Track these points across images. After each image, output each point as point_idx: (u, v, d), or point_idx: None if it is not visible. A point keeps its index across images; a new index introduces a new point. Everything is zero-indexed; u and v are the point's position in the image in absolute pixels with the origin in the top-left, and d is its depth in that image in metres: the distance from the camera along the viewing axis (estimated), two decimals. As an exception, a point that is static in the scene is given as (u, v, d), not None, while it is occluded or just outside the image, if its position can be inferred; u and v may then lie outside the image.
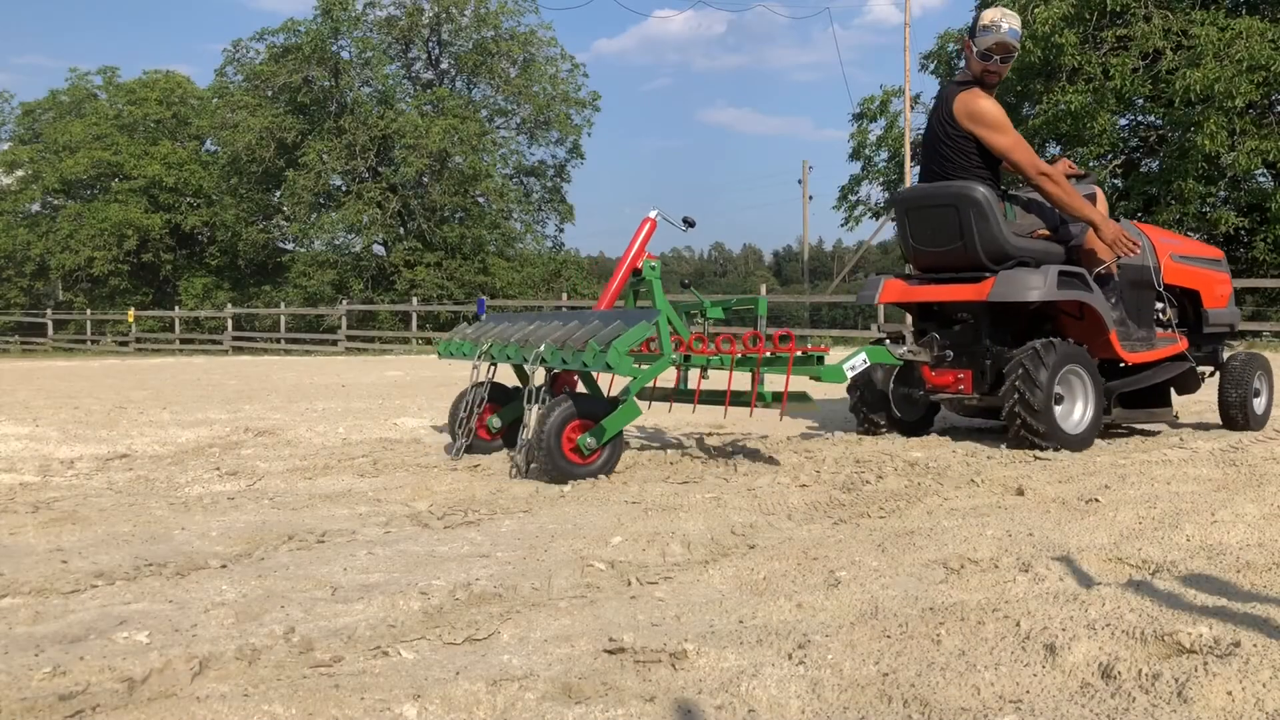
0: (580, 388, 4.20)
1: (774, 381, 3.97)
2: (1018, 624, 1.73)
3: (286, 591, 2.08)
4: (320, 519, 2.90)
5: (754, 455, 4.11)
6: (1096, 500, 2.93)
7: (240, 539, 2.60)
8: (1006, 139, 4.23)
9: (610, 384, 4.28)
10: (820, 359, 3.95)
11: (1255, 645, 1.56)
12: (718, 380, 4.07)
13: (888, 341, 4.42)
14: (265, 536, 2.61)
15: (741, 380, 3.98)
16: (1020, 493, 3.12)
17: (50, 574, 2.21)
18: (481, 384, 4.13)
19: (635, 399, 3.64)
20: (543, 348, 3.67)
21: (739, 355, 3.87)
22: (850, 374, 4.07)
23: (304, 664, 1.66)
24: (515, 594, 2.06)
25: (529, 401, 3.69)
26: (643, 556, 2.40)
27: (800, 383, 4.02)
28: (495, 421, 4.18)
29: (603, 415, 3.53)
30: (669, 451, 4.28)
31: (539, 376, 3.86)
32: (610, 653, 1.68)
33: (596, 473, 3.52)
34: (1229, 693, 1.42)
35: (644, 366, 3.76)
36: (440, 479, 3.55)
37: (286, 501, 3.19)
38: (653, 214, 4.39)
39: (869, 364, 4.16)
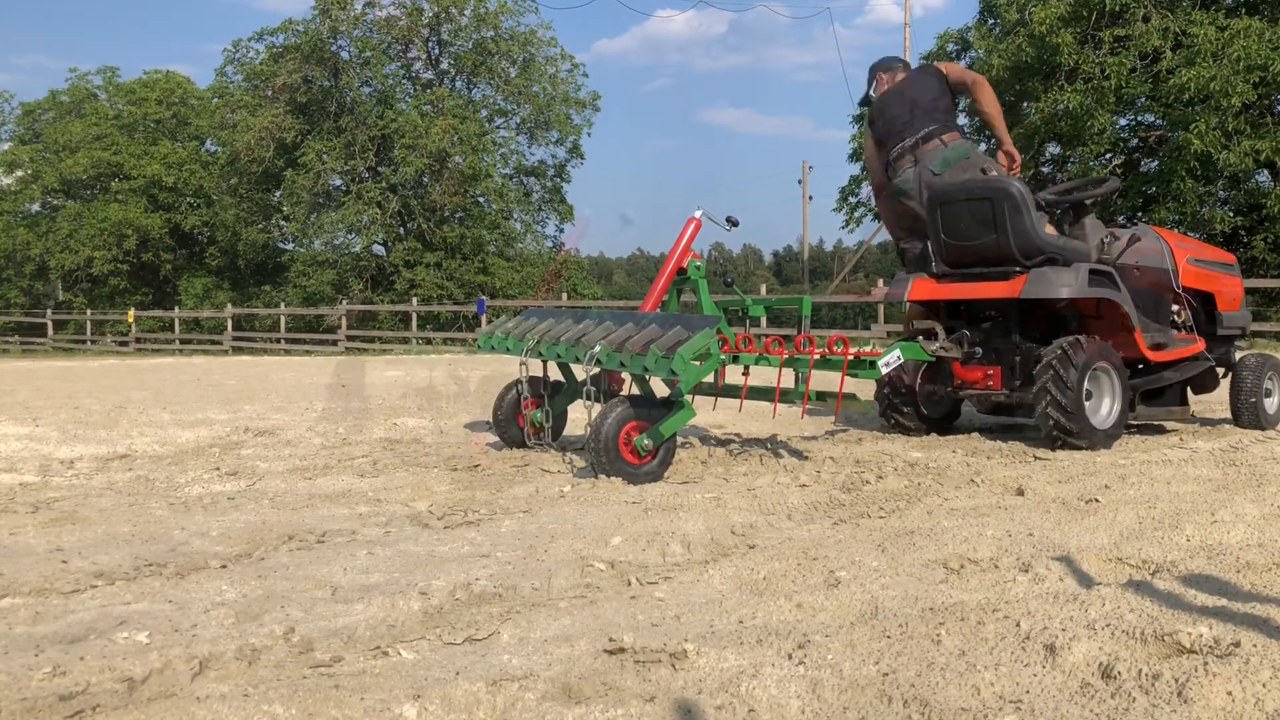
0: (628, 388, 4.20)
1: (815, 381, 3.97)
2: (1018, 624, 1.73)
3: (286, 592, 2.08)
4: (320, 519, 2.90)
5: (754, 455, 4.10)
6: (1096, 500, 2.93)
7: (240, 539, 2.59)
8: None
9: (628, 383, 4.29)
10: (873, 363, 3.96)
11: (1255, 645, 1.56)
12: (758, 377, 4.06)
13: (920, 338, 4.45)
14: (265, 537, 2.61)
15: (781, 378, 3.98)
16: (1020, 493, 3.11)
17: (50, 574, 2.21)
18: (528, 379, 4.17)
19: (688, 400, 3.62)
20: (598, 349, 3.65)
21: (786, 357, 3.87)
22: (885, 369, 4.09)
23: (304, 664, 1.65)
24: (515, 594, 2.06)
25: (586, 400, 3.71)
26: (643, 557, 2.40)
27: (825, 379, 4.03)
28: (538, 416, 4.20)
29: (658, 416, 3.52)
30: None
31: (594, 376, 3.88)
32: (610, 653, 1.68)
33: (653, 473, 3.50)
34: (1229, 693, 1.42)
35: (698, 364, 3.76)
36: (440, 479, 3.55)
37: (286, 502, 3.19)
38: (697, 214, 4.41)
39: (903, 360, 4.19)
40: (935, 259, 4.68)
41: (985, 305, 4.55)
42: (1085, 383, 4.06)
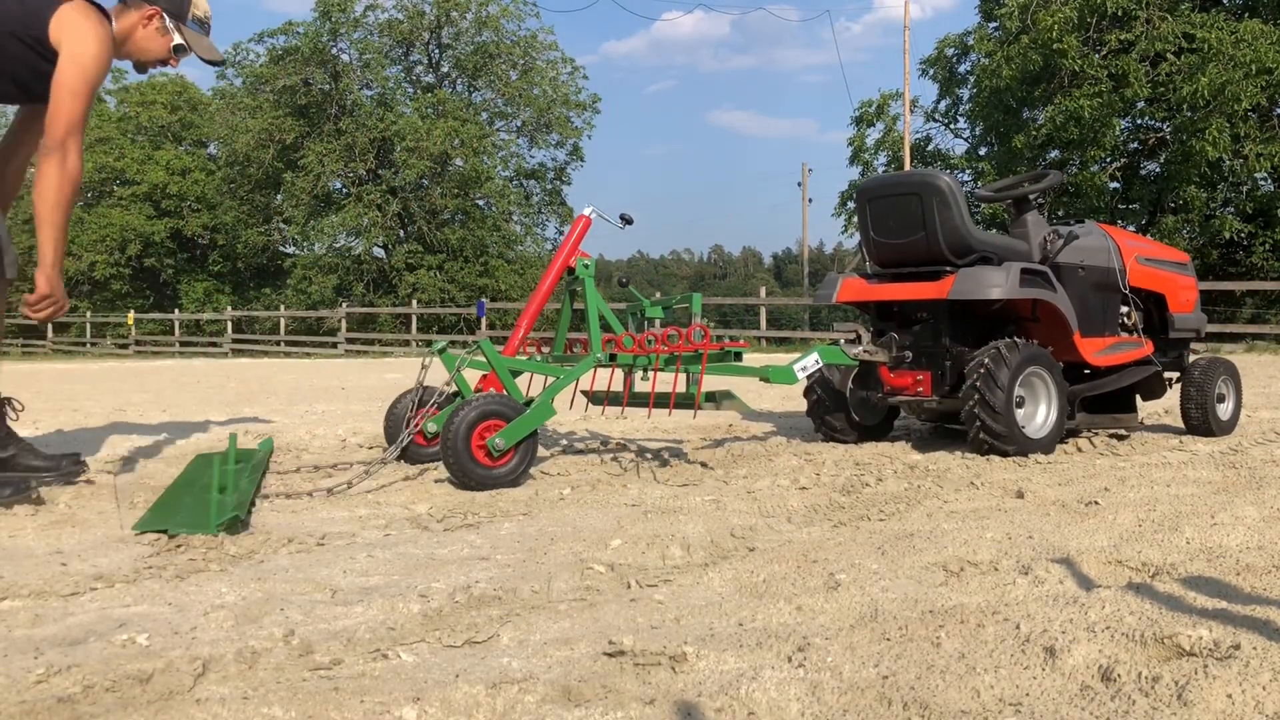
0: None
1: (729, 383, 3.85)
2: (1017, 626, 1.73)
3: (286, 594, 2.08)
4: (319, 521, 2.90)
5: (753, 458, 4.10)
6: (1096, 503, 2.93)
7: (239, 541, 2.59)
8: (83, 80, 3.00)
9: (529, 385, 4.20)
10: (738, 354, 3.81)
11: (1255, 648, 1.56)
12: (667, 382, 3.93)
13: (842, 341, 4.29)
14: (265, 539, 2.61)
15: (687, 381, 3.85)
16: (1020, 495, 3.11)
17: (50, 577, 2.21)
18: (419, 387, 3.94)
19: (552, 400, 3.52)
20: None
21: (665, 354, 3.70)
22: (802, 375, 3.95)
23: (303, 666, 1.65)
24: (515, 597, 2.06)
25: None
26: (642, 559, 2.40)
27: (749, 384, 3.95)
28: (431, 427, 3.89)
29: (516, 415, 3.38)
30: (667, 454, 4.28)
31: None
32: (610, 655, 1.68)
33: (511, 478, 3.39)
34: (1229, 695, 1.42)
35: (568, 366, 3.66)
36: (439, 481, 3.55)
37: (285, 504, 3.19)
38: (588, 211, 4.23)
39: (821, 365, 4.05)
40: (866, 258, 4.50)
41: (917, 307, 4.37)
42: (1018, 387, 3.90)
